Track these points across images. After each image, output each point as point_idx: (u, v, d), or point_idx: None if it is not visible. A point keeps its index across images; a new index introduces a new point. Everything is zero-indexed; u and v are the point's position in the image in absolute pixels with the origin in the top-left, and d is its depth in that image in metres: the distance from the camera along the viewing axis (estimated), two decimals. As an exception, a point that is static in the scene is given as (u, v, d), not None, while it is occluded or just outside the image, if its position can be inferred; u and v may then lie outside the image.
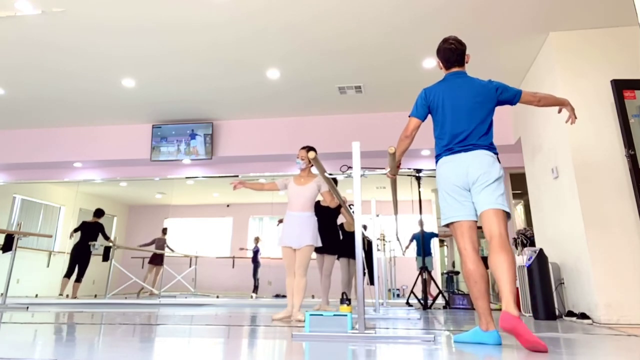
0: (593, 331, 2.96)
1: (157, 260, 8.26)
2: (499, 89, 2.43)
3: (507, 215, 2.24)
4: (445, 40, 2.52)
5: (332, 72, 5.41)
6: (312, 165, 3.90)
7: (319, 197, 5.09)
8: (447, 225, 2.37)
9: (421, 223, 6.52)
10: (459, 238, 2.31)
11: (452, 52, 2.49)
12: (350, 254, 5.47)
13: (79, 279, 7.04)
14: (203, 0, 4.05)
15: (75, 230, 7.31)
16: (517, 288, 4.89)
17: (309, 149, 3.85)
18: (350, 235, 5.53)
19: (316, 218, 3.78)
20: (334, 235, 5.01)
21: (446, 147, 2.37)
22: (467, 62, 2.55)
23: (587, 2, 4.00)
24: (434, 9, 4.15)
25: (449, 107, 2.40)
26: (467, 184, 2.28)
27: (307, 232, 3.66)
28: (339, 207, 4.97)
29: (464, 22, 4.33)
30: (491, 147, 2.33)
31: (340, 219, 5.52)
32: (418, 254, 6.85)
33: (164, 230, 8.44)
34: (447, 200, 2.33)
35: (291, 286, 3.66)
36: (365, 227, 6.65)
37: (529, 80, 5.25)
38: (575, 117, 2.59)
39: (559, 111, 2.63)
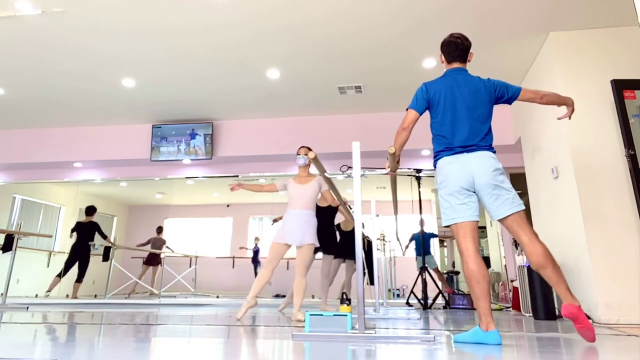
0: (593, 331, 2.96)
1: (152, 260, 8.21)
2: (498, 88, 2.42)
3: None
4: (451, 35, 2.50)
5: (332, 72, 5.41)
6: (310, 164, 3.89)
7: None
8: (448, 226, 2.36)
9: (421, 222, 6.52)
10: (461, 239, 2.29)
11: (455, 47, 2.47)
12: (346, 254, 5.43)
13: (79, 279, 7.02)
14: (203, 2, 4.05)
15: (73, 231, 7.30)
16: (514, 288, 4.89)
17: (308, 148, 3.85)
18: (348, 235, 5.50)
19: (315, 220, 3.74)
20: (331, 235, 5.00)
21: (447, 146, 2.35)
22: (469, 61, 2.52)
23: (587, 2, 4.00)
24: (434, 11, 4.15)
25: (450, 105, 2.37)
26: (472, 186, 2.28)
27: (308, 230, 3.63)
28: (337, 206, 4.97)
29: (464, 22, 4.33)
30: (491, 148, 2.33)
31: (338, 219, 5.50)
32: (418, 254, 6.85)
33: (159, 229, 8.40)
34: (450, 202, 2.31)
35: (263, 279, 3.57)
36: (362, 225, 6.63)
37: (528, 81, 5.25)
38: (570, 118, 2.61)
39: (559, 106, 2.60)
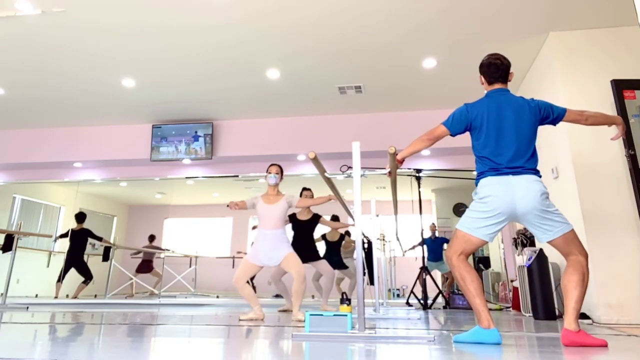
0: (593, 331, 2.96)
1: (142, 268, 8.11)
2: (543, 108, 2.36)
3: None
4: (490, 56, 2.45)
5: (332, 72, 5.41)
6: (279, 183, 3.88)
7: (295, 210, 5.08)
8: (459, 229, 2.33)
9: (433, 228, 6.65)
10: (459, 245, 2.29)
11: (496, 68, 2.41)
12: (333, 265, 5.54)
13: (85, 282, 7.05)
14: (203, 3, 4.05)
15: (62, 236, 7.30)
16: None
17: (280, 167, 3.88)
18: (333, 246, 5.65)
19: (286, 235, 3.74)
20: (312, 247, 4.94)
21: (492, 167, 2.28)
22: (509, 80, 2.46)
23: (587, 2, 4.00)
24: (434, 11, 4.15)
25: (494, 126, 2.31)
26: (511, 214, 2.21)
27: (282, 246, 3.66)
28: (317, 218, 4.98)
29: (464, 22, 4.33)
30: (537, 172, 2.27)
31: (324, 230, 5.58)
32: (430, 259, 6.80)
33: (151, 238, 8.31)
34: (475, 215, 2.27)
35: (248, 292, 3.58)
36: (348, 234, 6.66)
37: (528, 81, 5.25)
38: (624, 137, 2.55)
39: (609, 126, 2.53)
